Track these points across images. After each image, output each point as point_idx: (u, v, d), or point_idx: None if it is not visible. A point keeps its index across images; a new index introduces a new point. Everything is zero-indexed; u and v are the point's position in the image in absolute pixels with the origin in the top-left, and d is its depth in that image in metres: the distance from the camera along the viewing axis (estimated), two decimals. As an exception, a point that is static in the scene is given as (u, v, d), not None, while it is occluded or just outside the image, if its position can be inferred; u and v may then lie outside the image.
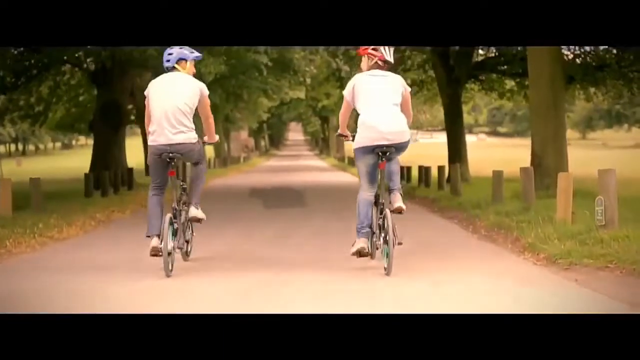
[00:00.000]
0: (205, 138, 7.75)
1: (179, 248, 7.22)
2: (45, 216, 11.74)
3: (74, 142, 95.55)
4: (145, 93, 7.25)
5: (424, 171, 18.11)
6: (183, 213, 7.38)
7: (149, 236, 7.06)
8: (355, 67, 25.91)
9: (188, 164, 8.78)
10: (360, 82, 7.02)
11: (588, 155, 51.19)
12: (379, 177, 6.99)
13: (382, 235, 6.87)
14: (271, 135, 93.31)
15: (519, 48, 17.23)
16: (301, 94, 48.13)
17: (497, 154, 61.94)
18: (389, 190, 7.34)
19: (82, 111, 31.94)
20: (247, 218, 12.70)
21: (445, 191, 15.88)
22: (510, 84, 21.83)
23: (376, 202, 7.07)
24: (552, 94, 12.95)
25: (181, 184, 7.68)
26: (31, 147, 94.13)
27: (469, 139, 76.52)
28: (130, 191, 18.40)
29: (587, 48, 16.18)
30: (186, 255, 7.69)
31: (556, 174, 12.88)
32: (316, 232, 10.59)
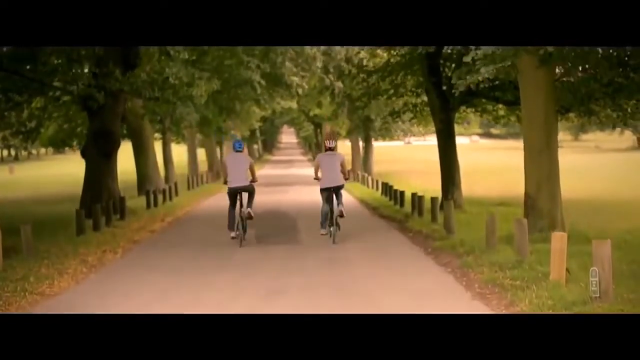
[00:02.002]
0: (251, 178, 14.70)
1: (244, 231, 14.41)
2: (36, 265, 11.71)
3: (66, 147, 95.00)
4: (223, 161, 15.44)
5: (417, 200, 18.00)
6: (243, 219, 14.31)
7: (230, 229, 14.41)
8: (348, 83, 25.90)
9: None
10: (321, 158, 14.69)
11: (581, 161, 51.32)
12: (331, 200, 14.25)
13: (334, 226, 14.25)
14: (264, 141, 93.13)
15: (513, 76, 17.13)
16: (293, 103, 48.07)
17: (490, 159, 62.03)
18: (338, 204, 14.23)
19: (74, 126, 31.89)
20: (239, 261, 12.61)
21: (438, 224, 15.81)
22: (503, 108, 21.83)
23: (331, 210, 14.26)
24: (546, 136, 12.92)
25: (242, 203, 14.30)
26: (24, 152, 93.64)
27: (462, 141, 76.33)
28: (122, 221, 18.28)
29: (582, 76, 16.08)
30: (244, 239, 14.36)
31: (550, 216, 13.00)
32: (310, 283, 10.49)
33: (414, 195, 18.51)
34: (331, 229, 14.27)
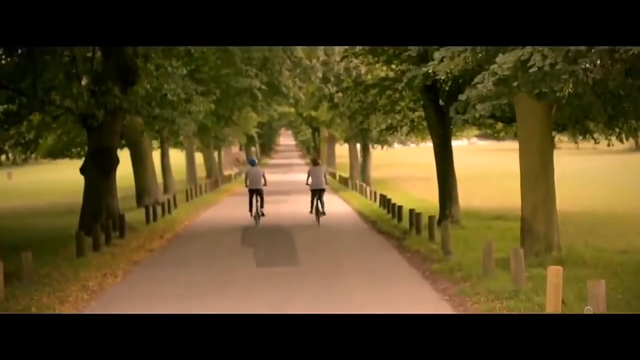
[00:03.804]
0: (264, 183, 21.68)
1: (259, 217, 21.72)
2: (37, 293, 11.79)
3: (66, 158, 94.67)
4: (246, 171, 23.85)
5: (415, 217, 18.14)
6: (259, 209, 21.70)
7: (250, 211, 21.84)
8: (347, 94, 26.07)
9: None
10: (311, 169, 22.22)
11: (579, 164, 51.37)
12: (316, 198, 21.78)
13: (319, 214, 21.63)
14: (262, 144, 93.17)
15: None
16: (290, 108, 48.19)
17: (488, 162, 62.08)
18: (322, 208, 21.71)
19: (73, 137, 31.96)
20: (239, 286, 12.70)
21: (436, 243, 15.90)
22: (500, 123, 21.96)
23: (317, 203, 21.78)
24: (542, 162, 13.02)
25: (257, 199, 21.51)
26: (22, 157, 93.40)
27: (460, 143, 75.42)
28: (122, 239, 18.38)
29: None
30: (260, 221, 21.66)
31: (546, 240, 13.11)
32: (309, 309, 10.58)
33: (411, 211, 18.63)
34: (316, 216, 21.85)
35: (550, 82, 8.46)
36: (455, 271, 12.76)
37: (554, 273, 9.15)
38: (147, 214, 22.57)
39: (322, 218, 21.82)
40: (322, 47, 33.53)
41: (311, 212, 22.00)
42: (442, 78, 11.01)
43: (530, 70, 8.27)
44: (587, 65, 7.81)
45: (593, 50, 7.64)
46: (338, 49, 31.34)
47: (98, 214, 19.17)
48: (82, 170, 20.09)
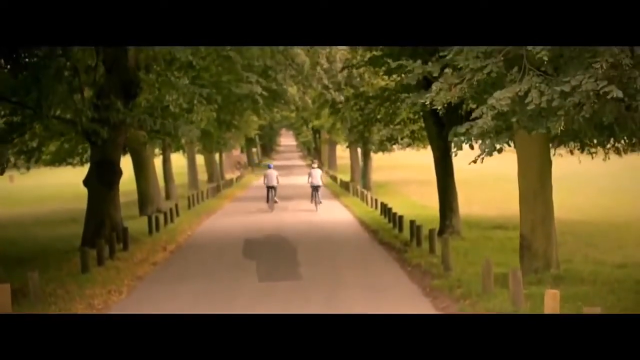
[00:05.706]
0: (277, 181, 31.47)
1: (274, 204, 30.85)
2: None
3: (69, 165, 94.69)
4: (264, 173, 32.83)
5: (416, 229, 18.33)
6: (275, 198, 31.19)
7: (267, 203, 31.18)
8: (348, 105, 26.28)
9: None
10: (311, 171, 31.33)
11: (579, 167, 51.40)
12: (315, 193, 30.74)
13: (317, 203, 30.50)
14: (263, 145, 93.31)
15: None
16: (291, 113, 48.26)
17: (487, 163, 62.04)
18: (319, 198, 30.75)
19: (75, 144, 32.07)
20: (240, 304, 12.88)
21: (437, 256, 16.05)
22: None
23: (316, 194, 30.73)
24: (540, 180, 13.17)
25: (272, 192, 30.98)
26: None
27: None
28: (126, 252, 18.54)
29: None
30: (274, 207, 30.78)
31: (545, 257, 13.27)
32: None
33: (412, 223, 18.80)
34: (314, 205, 30.07)
35: (547, 121, 8.59)
36: (455, 288, 12.94)
37: (551, 297, 9.35)
38: (149, 224, 22.74)
39: (325, 226, 24.21)
40: (324, 54, 33.59)
41: (311, 202, 30.61)
42: (439, 108, 11.17)
43: (528, 108, 8.43)
44: (578, 101, 7.94)
45: (580, 90, 7.78)
46: (339, 56, 31.47)
47: (101, 227, 19.34)
48: (86, 182, 20.26)
